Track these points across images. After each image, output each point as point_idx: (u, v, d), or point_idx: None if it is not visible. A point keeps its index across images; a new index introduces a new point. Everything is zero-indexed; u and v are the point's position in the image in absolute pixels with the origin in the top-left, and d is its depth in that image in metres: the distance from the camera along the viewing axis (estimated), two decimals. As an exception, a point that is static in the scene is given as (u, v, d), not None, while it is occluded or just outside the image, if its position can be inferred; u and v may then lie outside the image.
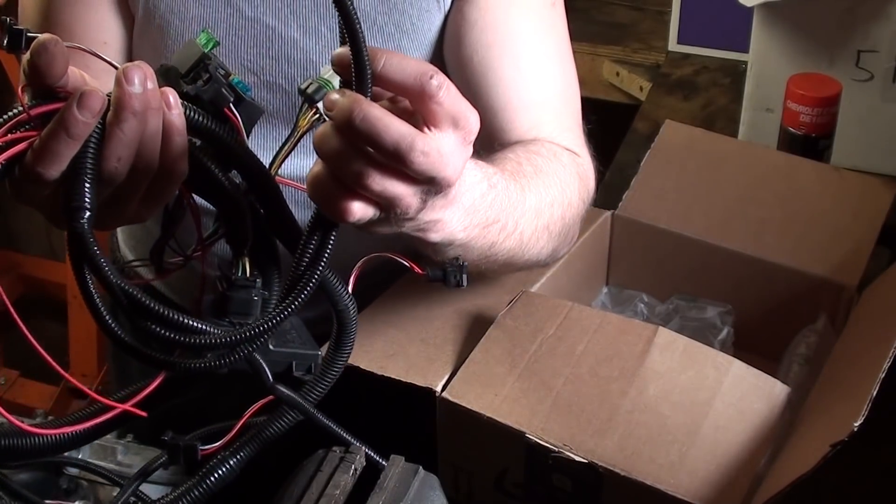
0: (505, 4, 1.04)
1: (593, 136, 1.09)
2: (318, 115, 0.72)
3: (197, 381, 0.77)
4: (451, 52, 1.06)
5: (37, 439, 0.72)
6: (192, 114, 0.69)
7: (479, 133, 1.07)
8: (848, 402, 0.84)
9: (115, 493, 0.79)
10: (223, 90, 0.71)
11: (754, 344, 1.13)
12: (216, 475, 0.73)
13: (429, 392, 0.92)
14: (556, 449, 0.86)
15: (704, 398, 0.91)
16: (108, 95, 0.66)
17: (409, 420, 0.95)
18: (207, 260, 0.76)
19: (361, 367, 0.93)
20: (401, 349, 0.97)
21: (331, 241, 0.71)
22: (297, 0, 1.03)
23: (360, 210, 0.69)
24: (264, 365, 0.73)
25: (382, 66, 0.67)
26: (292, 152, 0.74)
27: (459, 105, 0.69)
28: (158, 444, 0.78)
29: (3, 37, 0.66)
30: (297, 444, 0.77)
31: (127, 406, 0.70)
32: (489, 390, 0.91)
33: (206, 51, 0.71)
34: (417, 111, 0.68)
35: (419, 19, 1.04)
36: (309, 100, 0.72)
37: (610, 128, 1.14)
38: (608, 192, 1.36)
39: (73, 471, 0.82)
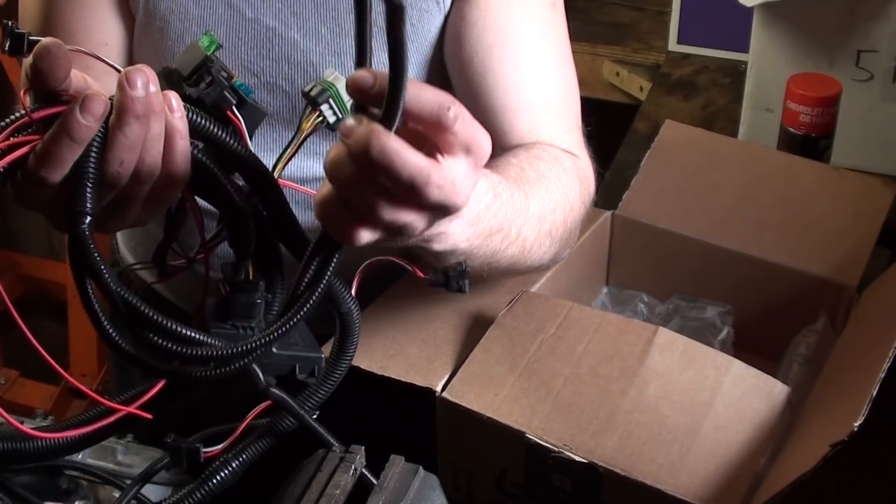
0: (505, 6, 1.04)
1: (593, 136, 1.09)
2: (321, 118, 0.72)
3: (195, 386, 0.77)
4: (451, 54, 1.06)
5: (40, 443, 0.72)
6: (194, 117, 0.69)
7: None
8: (848, 402, 0.84)
9: (115, 493, 0.79)
10: (226, 93, 0.71)
11: (754, 344, 1.13)
12: (218, 478, 0.73)
13: (429, 392, 0.92)
14: (556, 449, 0.86)
15: (704, 398, 0.91)
16: (110, 99, 0.66)
17: (409, 420, 0.95)
18: (210, 262, 0.76)
19: (362, 367, 0.93)
20: (401, 349, 0.97)
21: (333, 261, 0.71)
22: (298, 1, 1.03)
23: (367, 236, 0.68)
24: (257, 370, 0.73)
25: None
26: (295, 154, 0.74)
27: (474, 132, 0.68)
28: (158, 444, 0.78)
29: (5, 40, 0.66)
30: (298, 444, 0.77)
31: (131, 409, 0.70)
32: (489, 390, 0.91)
33: (208, 54, 0.71)
34: (431, 139, 0.67)
35: (419, 20, 1.04)
36: (312, 102, 0.72)
37: (610, 128, 1.14)
38: (608, 192, 1.36)
39: (73, 471, 0.82)
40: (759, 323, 1.18)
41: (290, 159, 0.74)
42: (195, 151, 0.70)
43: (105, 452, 0.83)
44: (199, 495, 0.72)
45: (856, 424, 0.78)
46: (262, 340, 0.70)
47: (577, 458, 0.85)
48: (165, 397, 0.71)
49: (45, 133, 0.65)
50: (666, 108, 1.78)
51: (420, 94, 0.65)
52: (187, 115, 0.69)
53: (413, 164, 0.64)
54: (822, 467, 0.77)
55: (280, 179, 0.74)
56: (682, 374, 0.93)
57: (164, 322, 0.68)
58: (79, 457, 0.81)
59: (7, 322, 0.70)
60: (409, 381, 0.93)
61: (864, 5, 1.45)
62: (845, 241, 1.17)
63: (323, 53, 1.04)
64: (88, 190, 0.65)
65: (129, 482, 0.79)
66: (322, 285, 0.71)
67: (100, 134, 0.65)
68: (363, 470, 0.75)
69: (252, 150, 0.72)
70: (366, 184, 0.65)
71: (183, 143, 0.69)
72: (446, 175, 0.66)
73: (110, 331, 0.67)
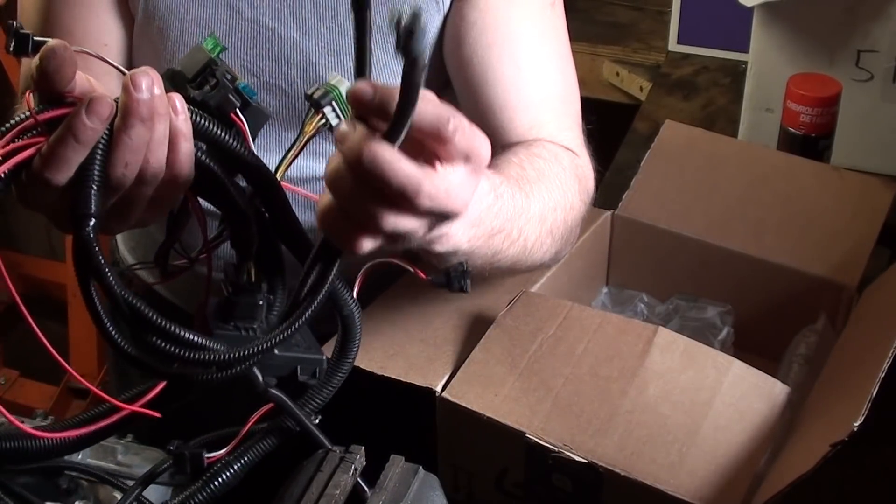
0: (504, 6, 1.04)
1: (593, 136, 1.09)
2: (324, 121, 0.72)
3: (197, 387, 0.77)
4: (450, 54, 1.06)
5: (42, 442, 0.72)
6: (198, 119, 0.69)
7: None
8: (848, 402, 0.84)
9: (115, 494, 0.79)
10: (230, 95, 0.71)
11: (754, 344, 1.13)
12: (220, 480, 0.73)
13: (429, 392, 0.92)
14: (556, 449, 0.86)
15: (704, 398, 0.91)
16: (115, 101, 0.66)
17: (409, 420, 0.95)
18: (212, 263, 0.76)
19: (362, 367, 0.93)
20: (401, 349, 0.97)
21: (335, 266, 0.71)
22: (297, 1, 1.03)
23: (369, 244, 0.68)
24: (257, 372, 0.73)
25: None
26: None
27: (472, 140, 0.68)
28: (158, 444, 0.78)
29: (10, 41, 0.66)
30: (298, 445, 0.77)
31: (136, 407, 0.70)
32: (489, 390, 0.91)
33: (212, 56, 0.71)
34: (430, 148, 0.67)
35: None
36: (315, 105, 0.72)
37: (610, 128, 1.14)
38: (608, 192, 1.36)
39: (73, 471, 0.82)
40: (759, 323, 1.18)
41: (292, 161, 0.74)
42: (199, 153, 0.71)
43: (105, 452, 0.83)
44: (200, 497, 0.72)
45: (856, 424, 0.78)
46: (264, 345, 0.70)
47: (577, 458, 0.85)
48: (166, 397, 0.71)
49: (50, 135, 0.65)
50: (666, 108, 1.78)
51: (421, 109, 0.65)
52: (191, 118, 0.69)
53: (403, 173, 0.64)
54: (822, 467, 0.77)
55: (283, 182, 0.74)
56: (682, 374, 0.93)
57: (167, 325, 0.68)
58: (79, 457, 0.81)
59: (7, 322, 0.70)
60: (409, 381, 0.93)
61: (864, 5, 1.45)
62: (845, 241, 1.17)
63: (322, 53, 1.04)
64: (93, 192, 0.65)
65: (129, 482, 0.79)
66: (324, 291, 0.71)
67: (105, 136, 0.65)
68: (358, 479, 0.75)
69: (255, 152, 0.72)
70: (363, 192, 0.65)
71: (187, 146, 0.69)
72: (439, 184, 0.66)
73: (114, 333, 0.67)
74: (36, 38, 0.65)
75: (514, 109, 1.04)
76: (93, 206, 0.65)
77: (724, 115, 1.74)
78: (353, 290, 0.75)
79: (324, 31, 1.04)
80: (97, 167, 0.66)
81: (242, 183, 0.73)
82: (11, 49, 0.66)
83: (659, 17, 2.12)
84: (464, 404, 0.90)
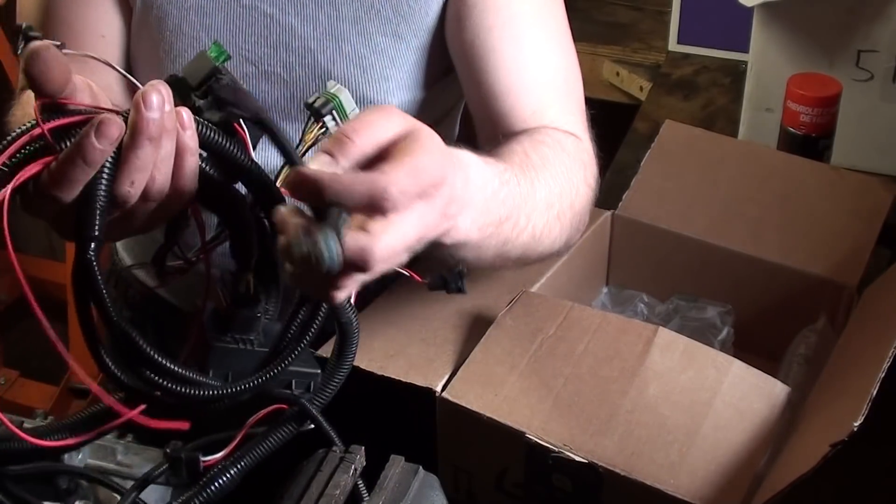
0: None
1: (593, 136, 1.09)
2: (324, 130, 0.73)
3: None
4: (452, 37, 1.06)
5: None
6: (203, 130, 0.69)
7: (482, 121, 1.07)
8: (848, 402, 0.84)
9: (115, 494, 0.79)
10: (232, 108, 0.71)
11: (754, 344, 1.13)
12: (217, 484, 0.72)
13: (429, 392, 0.92)
14: (556, 449, 0.86)
15: (704, 398, 0.91)
16: (123, 115, 0.65)
17: (409, 420, 0.95)
18: (210, 265, 0.76)
19: (361, 367, 0.93)
20: (401, 349, 0.97)
21: (321, 314, 0.73)
22: None
23: (346, 295, 0.69)
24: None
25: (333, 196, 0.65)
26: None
27: (416, 179, 0.67)
28: (158, 443, 0.78)
29: (20, 42, 0.66)
30: (297, 445, 0.77)
31: (134, 414, 0.70)
32: (489, 390, 0.91)
33: (216, 64, 0.71)
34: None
35: (416, 3, 1.04)
36: (316, 114, 0.72)
37: (610, 128, 1.14)
38: (608, 192, 1.36)
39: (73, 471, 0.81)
40: (759, 323, 1.18)
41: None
42: (202, 164, 0.70)
43: (105, 452, 0.83)
44: (196, 502, 0.72)
45: (856, 424, 0.78)
46: (256, 382, 0.72)
47: (577, 458, 0.85)
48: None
49: (54, 142, 0.64)
50: (666, 108, 1.78)
51: (350, 189, 0.64)
52: (197, 129, 0.69)
53: (350, 251, 0.63)
54: (822, 467, 0.77)
55: (283, 189, 0.74)
56: (682, 374, 0.93)
57: (161, 360, 0.68)
58: (78, 457, 0.81)
59: (7, 322, 0.70)
60: (409, 381, 0.93)
61: (864, 5, 1.45)
62: (845, 241, 1.17)
63: (321, 39, 1.04)
64: (98, 214, 0.66)
65: (128, 482, 0.79)
66: (309, 336, 0.72)
67: (112, 155, 0.65)
68: (358, 480, 0.75)
69: (256, 162, 0.72)
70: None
71: (193, 160, 0.69)
72: (388, 242, 0.65)
73: (108, 361, 0.68)
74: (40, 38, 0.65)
75: (517, 94, 1.04)
76: (97, 229, 0.65)
77: (724, 115, 1.74)
78: (350, 298, 0.75)
79: (322, 18, 1.03)
80: (103, 188, 0.66)
81: (243, 190, 0.73)
82: (20, 51, 0.66)
83: (659, 17, 2.12)
84: (464, 404, 0.90)
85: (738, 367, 0.94)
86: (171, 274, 0.78)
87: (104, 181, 0.65)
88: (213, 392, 0.70)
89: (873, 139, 1.51)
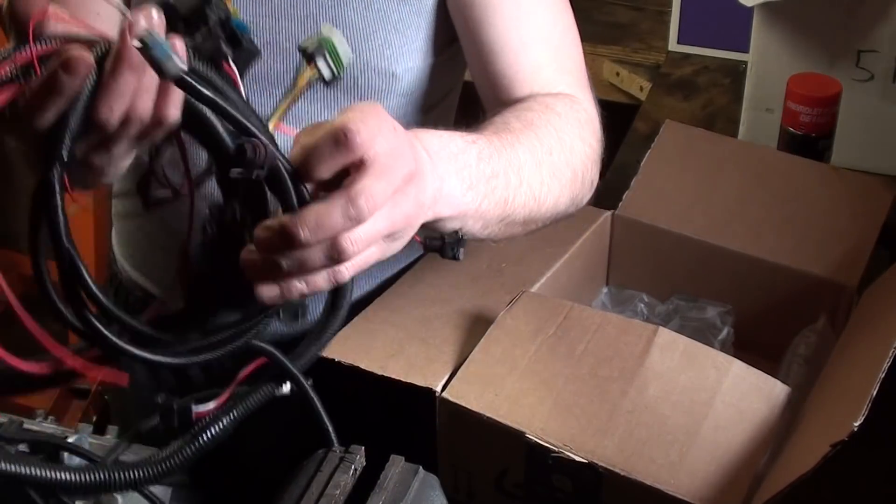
0: None
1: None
2: (317, 74, 0.72)
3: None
4: (453, 3, 1.06)
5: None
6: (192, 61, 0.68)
7: (484, 87, 1.07)
8: (848, 402, 0.84)
9: (115, 495, 0.79)
10: (221, 44, 0.70)
11: (754, 344, 1.13)
12: (209, 433, 0.72)
13: (429, 392, 0.92)
14: (556, 449, 0.86)
15: (704, 398, 0.90)
16: (108, 45, 0.66)
17: (409, 420, 0.95)
18: (199, 195, 0.76)
19: (362, 367, 0.93)
20: (401, 349, 0.97)
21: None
22: None
23: (277, 295, 0.71)
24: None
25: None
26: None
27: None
28: (158, 443, 0.78)
29: None
30: (297, 445, 0.77)
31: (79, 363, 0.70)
32: (489, 390, 0.91)
33: None
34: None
35: None
36: (308, 58, 0.72)
37: (610, 128, 1.14)
38: (608, 192, 1.36)
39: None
40: (759, 323, 1.18)
41: (284, 112, 0.74)
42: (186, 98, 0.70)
43: (105, 452, 0.83)
44: (189, 451, 0.71)
45: (856, 424, 0.78)
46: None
47: (577, 459, 0.85)
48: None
49: (21, 74, 0.65)
50: (666, 108, 1.78)
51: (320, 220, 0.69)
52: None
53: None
54: (822, 467, 0.77)
55: (277, 125, 0.74)
56: (682, 374, 0.93)
57: (101, 296, 0.68)
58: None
59: (7, 322, 0.70)
60: (409, 381, 0.93)
61: (864, 5, 1.45)
62: (845, 241, 1.17)
63: (322, 5, 1.02)
64: (67, 135, 0.66)
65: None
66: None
67: (91, 81, 0.65)
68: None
69: (245, 98, 0.72)
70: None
71: (178, 92, 0.69)
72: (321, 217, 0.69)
73: (51, 290, 0.68)
74: None
75: (515, 52, 1.04)
76: (63, 150, 0.65)
77: (724, 115, 1.74)
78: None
79: None
80: (78, 111, 0.66)
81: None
82: None
83: (659, 17, 2.12)
84: (464, 404, 0.90)
85: (738, 367, 0.94)
86: (156, 203, 0.78)
87: (80, 106, 0.66)
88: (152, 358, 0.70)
89: (873, 139, 1.51)
